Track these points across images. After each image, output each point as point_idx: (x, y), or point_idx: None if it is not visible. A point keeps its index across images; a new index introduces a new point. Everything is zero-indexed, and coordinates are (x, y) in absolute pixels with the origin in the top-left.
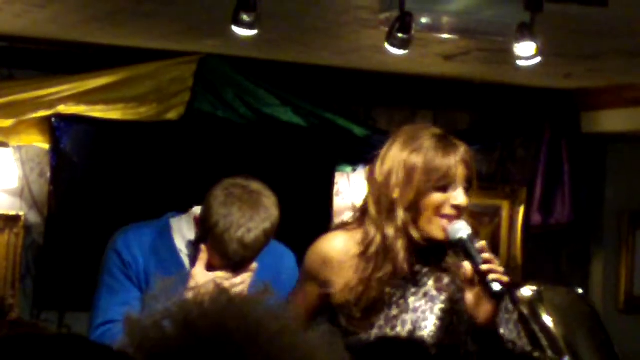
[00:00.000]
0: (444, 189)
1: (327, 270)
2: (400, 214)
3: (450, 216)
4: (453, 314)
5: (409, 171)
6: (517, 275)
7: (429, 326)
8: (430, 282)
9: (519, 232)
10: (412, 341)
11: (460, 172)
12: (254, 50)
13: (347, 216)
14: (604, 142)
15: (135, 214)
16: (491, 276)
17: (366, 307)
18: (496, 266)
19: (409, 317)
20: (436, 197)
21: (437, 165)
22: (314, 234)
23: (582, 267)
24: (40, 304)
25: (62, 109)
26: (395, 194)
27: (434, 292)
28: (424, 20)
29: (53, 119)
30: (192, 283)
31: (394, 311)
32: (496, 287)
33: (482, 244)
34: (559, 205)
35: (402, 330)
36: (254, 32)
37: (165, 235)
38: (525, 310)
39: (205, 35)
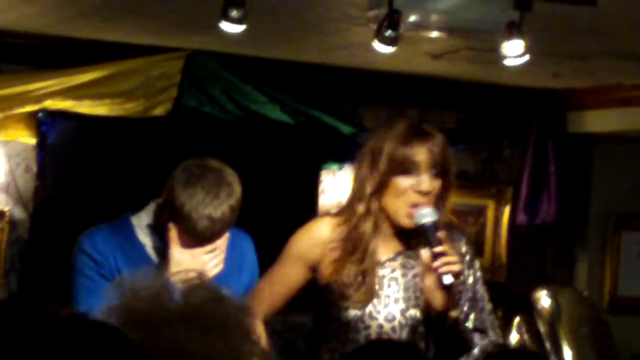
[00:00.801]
0: (406, 174)
1: (316, 251)
2: (367, 198)
3: (417, 204)
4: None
5: (375, 156)
6: (502, 275)
7: (397, 309)
8: (398, 264)
9: (504, 232)
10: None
11: (424, 158)
12: (242, 46)
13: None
14: (590, 142)
15: (121, 209)
16: (443, 268)
17: (348, 286)
18: (449, 258)
19: (400, 296)
20: (399, 181)
21: (399, 150)
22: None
23: (567, 268)
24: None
25: (49, 103)
26: (366, 180)
27: (399, 275)
28: (412, 18)
29: (40, 114)
30: (173, 266)
31: (381, 291)
32: (447, 279)
33: (441, 234)
34: (544, 205)
35: (380, 312)
36: (242, 27)
37: (128, 233)
38: (542, 328)
39: (193, 31)
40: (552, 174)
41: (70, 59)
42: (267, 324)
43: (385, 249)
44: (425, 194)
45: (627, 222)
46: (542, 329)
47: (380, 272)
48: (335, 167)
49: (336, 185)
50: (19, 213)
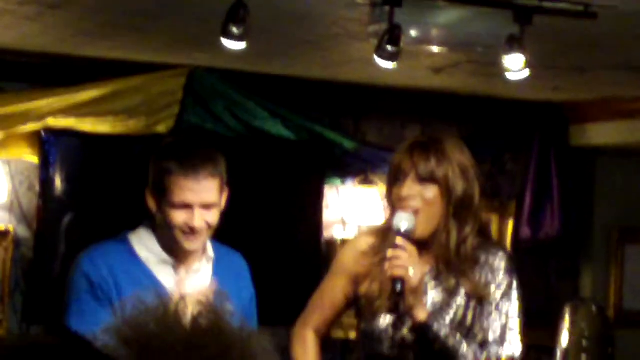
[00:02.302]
0: (397, 182)
1: (356, 264)
2: (387, 211)
3: (404, 208)
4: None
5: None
6: None
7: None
8: (429, 278)
9: (507, 246)
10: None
11: (407, 165)
12: (244, 63)
13: (336, 229)
14: (593, 155)
15: (125, 226)
16: (389, 271)
17: (375, 297)
18: (399, 262)
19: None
20: (393, 191)
21: (393, 160)
22: (304, 246)
23: (571, 281)
24: (29, 319)
25: (52, 121)
26: (387, 193)
27: (428, 289)
28: (413, 33)
29: (42, 133)
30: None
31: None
32: (397, 285)
33: (399, 240)
34: (548, 219)
35: (404, 323)
36: (243, 44)
37: (128, 250)
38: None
39: (195, 48)
40: (555, 187)
41: (73, 77)
42: (323, 335)
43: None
44: (404, 199)
45: (631, 235)
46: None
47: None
48: (338, 182)
49: (340, 200)
50: (22, 232)
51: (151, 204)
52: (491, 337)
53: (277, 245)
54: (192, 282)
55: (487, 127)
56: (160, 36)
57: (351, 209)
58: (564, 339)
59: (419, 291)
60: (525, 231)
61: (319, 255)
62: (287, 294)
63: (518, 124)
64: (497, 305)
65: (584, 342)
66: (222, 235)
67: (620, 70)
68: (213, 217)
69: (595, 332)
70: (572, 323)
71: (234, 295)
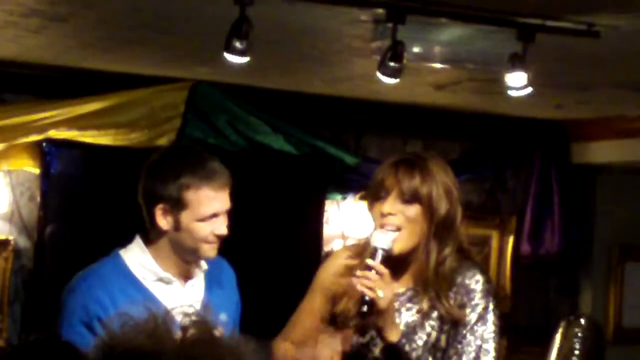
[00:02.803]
0: (377, 199)
1: (331, 281)
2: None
3: (385, 225)
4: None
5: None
6: (506, 306)
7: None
8: (405, 298)
9: (508, 262)
10: None
11: (390, 181)
12: (246, 77)
13: (337, 244)
14: (593, 173)
15: (124, 239)
16: (360, 289)
17: (350, 316)
18: (368, 283)
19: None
20: (375, 207)
21: (376, 175)
22: (305, 261)
23: (571, 298)
24: (29, 329)
25: (53, 133)
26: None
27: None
28: (415, 49)
29: (44, 144)
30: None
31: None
32: (363, 307)
33: (372, 262)
34: (548, 235)
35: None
36: (246, 59)
37: (123, 270)
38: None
39: (197, 62)
40: (555, 204)
41: (74, 89)
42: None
43: (396, 281)
44: (385, 216)
45: (631, 253)
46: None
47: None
48: (339, 197)
49: (340, 215)
50: (23, 242)
51: (165, 221)
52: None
53: (277, 259)
54: (189, 295)
55: (488, 143)
56: (163, 50)
57: (351, 224)
58: (553, 355)
59: (389, 312)
60: (526, 248)
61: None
62: (286, 307)
63: (519, 141)
64: (472, 328)
65: (574, 359)
66: (222, 248)
67: (622, 89)
68: (227, 223)
69: (586, 348)
70: (564, 339)
71: (225, 304)
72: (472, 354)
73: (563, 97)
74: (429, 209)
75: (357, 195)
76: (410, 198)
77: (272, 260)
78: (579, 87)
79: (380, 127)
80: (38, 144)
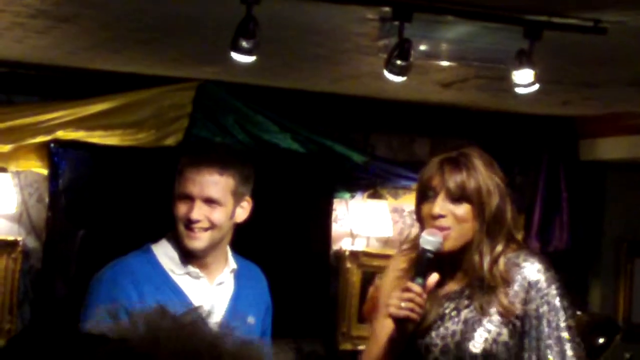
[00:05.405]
0: (426, 200)
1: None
2: (415, 230)
3: (435, 227)
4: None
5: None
6: None
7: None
8: (459, 299)
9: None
10: None
11: (437, 181)
12: (253, 76)
13: (345, 242)
14: (602, 169)
15: (133, 239)
16: (401, 303)
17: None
18: (405, 296)
19: (458, 328)
20: (423, 208)
21: (422, 176)
22: (313, 258)
23: (579, 295)
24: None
25: (61, 134)
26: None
27: (457, 310)
28: (422, 47)
29: (51, 145)
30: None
31: (447, 322)
32: (399, 315)
33: (410, 284)
34: (557, 232)
35: (451, 340)
36: (252, 58)
37: (152, 261)
38: None
39: (204, 61)
40: (564, 201)
41: (82, 90)
42: None
43: (450, 281)
44: (435, 217)
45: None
46: None
47: (444, 304)
48: (347, 195)
49: (349, 213)
50: (31, 243)
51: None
52: (549, 353)
53: (286, 257)
54: (217, 293)
55: (496, 141)
56: (170, 50)
57: (360, 222)
58: None
59: (429, 327)
60: (534, 244)
61: (328, 267)
62: (295, 306)
63: (527, 139)
64: (548, 320)
65: None
66: (232, 247)
67: (629, 85)
68: (216, 215)
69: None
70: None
71: (254, 307)
72: (555, 348)
73: (570, 94)
74: (478, 206)
75: (366, 194)
76: (459, 197)
77: (280, 258)
78: (587, 83)
79: (388, 125)
80: (46, 144)
